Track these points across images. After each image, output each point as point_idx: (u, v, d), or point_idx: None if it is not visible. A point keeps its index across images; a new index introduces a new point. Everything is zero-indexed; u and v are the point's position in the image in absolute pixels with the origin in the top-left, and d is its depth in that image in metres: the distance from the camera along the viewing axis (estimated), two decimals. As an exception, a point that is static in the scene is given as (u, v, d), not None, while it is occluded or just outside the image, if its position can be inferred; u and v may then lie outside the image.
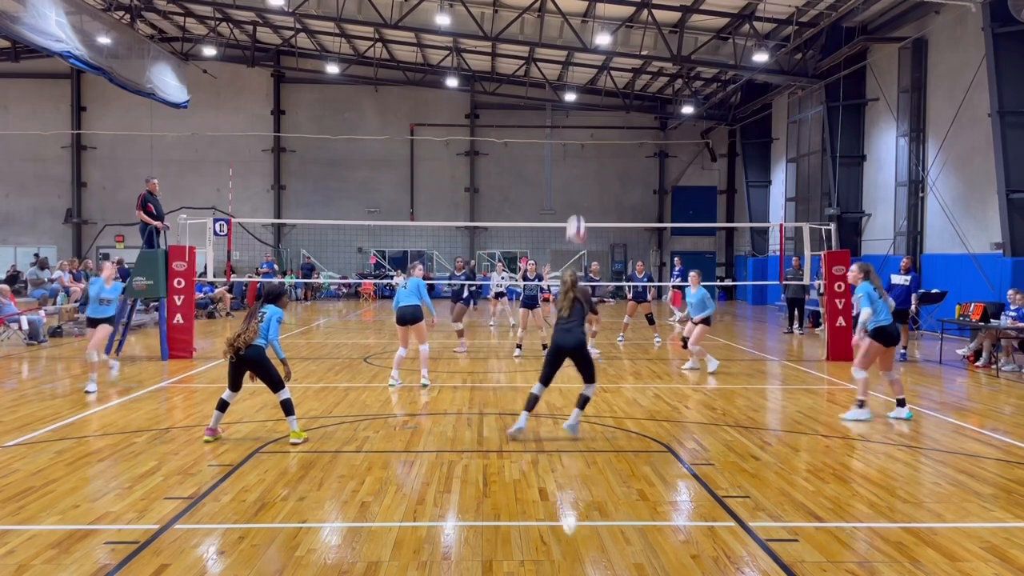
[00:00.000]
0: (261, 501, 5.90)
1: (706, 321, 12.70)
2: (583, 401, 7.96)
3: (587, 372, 7.90)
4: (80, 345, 15.90)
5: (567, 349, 7.79)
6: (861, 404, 8.97)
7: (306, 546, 5.04)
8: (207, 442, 7.63)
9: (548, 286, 16.08)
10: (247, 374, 7.64)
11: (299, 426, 7.78)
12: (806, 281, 16.61)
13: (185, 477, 6.51)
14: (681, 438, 8.05)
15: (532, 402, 7.95)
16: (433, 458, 7.21)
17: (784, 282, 16.88)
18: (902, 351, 14.03)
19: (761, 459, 7.25)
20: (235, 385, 7.67)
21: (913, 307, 14.63)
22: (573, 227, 13.11)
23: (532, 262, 15.91)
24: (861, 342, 8.95)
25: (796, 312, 19.49)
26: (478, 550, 4.99)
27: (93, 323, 10.94)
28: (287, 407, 7.66)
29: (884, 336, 8.83)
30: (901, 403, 9.10)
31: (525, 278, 15.12)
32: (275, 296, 7.83)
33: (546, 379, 7.91)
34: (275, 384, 7.61)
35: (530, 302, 14.78)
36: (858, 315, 8.99)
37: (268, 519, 5.54)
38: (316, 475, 6.60)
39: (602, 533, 5.31)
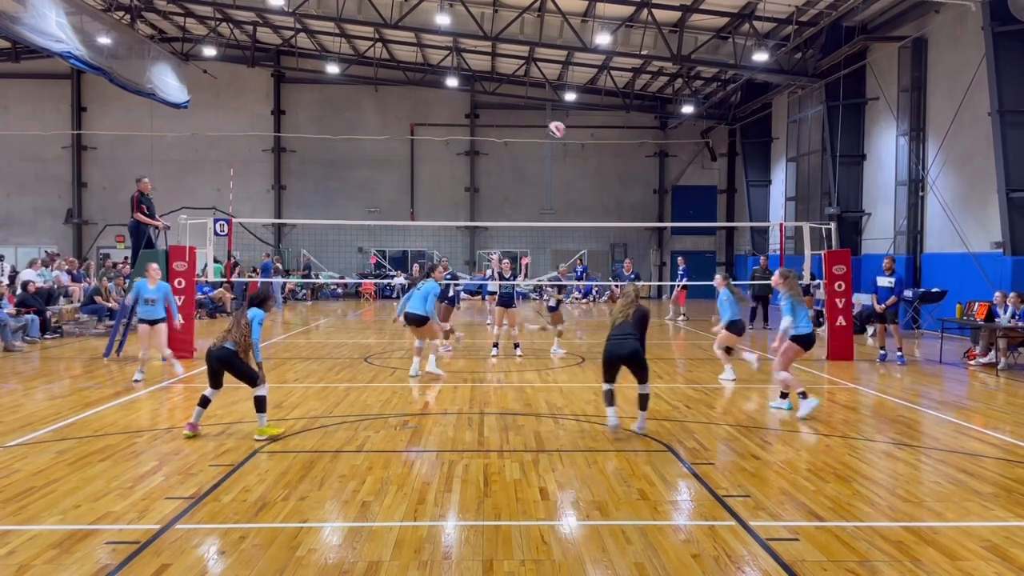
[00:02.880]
0: (262, 501, 5.91)
1: (731, 327, 11.56)
2: (644, 401, 8.10)
3: (641, 375, 8.01)
4: (80, 345, 15.90)
5: (621, 357, 7.96)
6: (804, 395, 9.06)
7: (307, 546, 5.04)
8: (187, 437, 7.76)
9: (549, 287, 15.86)
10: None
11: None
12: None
13: (186, 477, 6.51)
14: (681, 437, 8.05)
15: (610, 397, 8.16)
16: (433, 458, 7.21)
17: (751, 281, 17.33)
18: (881, 351, 14.13)
19: (761, 458, 7.25)
20: (216, 383, 7.91)
21: (883, 306, 14.47)
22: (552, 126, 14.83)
23: (506, 261, 15.77)
24: (781, 344, 9.18)
25: (761, 309, 20.64)
26: (479, 550, 4.99)
27: (149, 323, 11.74)
28: (259, 403, 7.86)
29: (803, 341, 9.14)
30: (784, 396, 9.47)
31: (501, 277, 15.04)
32: (260, 300, 8.07)
33: (611, 379, 8.15)
34: (250, 379, 7.83)
35: (506, 300, 14.68)
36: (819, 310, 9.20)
37: (269, 519, 5.54)
38: (317, 475, 6.60)
39: (603, 532, 5.31)
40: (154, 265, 12.05)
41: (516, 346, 14.65)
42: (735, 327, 11.57)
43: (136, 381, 11.18)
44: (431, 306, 11.56)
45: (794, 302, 9.10)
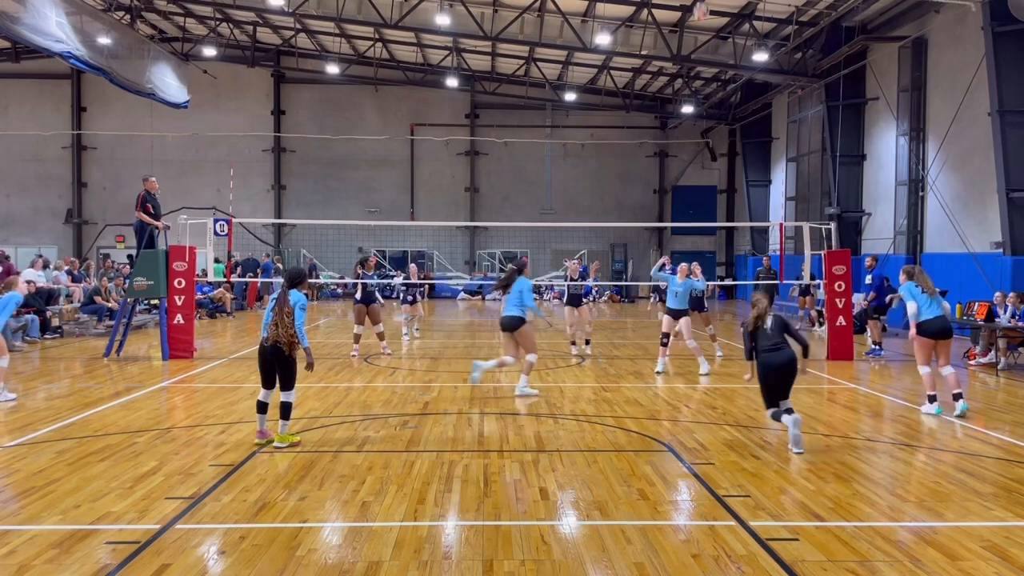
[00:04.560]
0: (262, 501, 5.91)
1: (694, 310, 11.92)
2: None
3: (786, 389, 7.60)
4: (81, 345, 15.90)
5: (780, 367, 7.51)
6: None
7: (307, 546, 5.04)
8: (257, 444, 7.47)
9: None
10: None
11: (292, 429, 7.66)
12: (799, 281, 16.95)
13: (186, 477, 6.51)
14: (681, 437, 8.05)
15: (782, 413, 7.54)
16: (434, 458, 7.21)
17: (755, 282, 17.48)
18: (875, 347, 14.39)
19: (761, 458, 7.25)
20: (269, 383, 7.45)
21: (865, 302, 15.09)
22: None
23: (574, 262, 15.67)
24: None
25: None
26: (479, 550, 4.99)
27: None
28: (285, 410, 7.44)
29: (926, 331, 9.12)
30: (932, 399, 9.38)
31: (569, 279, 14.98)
32: (298, 280, 7.56)
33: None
34: (288, 383, 7.40)
35: (573, 300, 14.58)
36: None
37: (269, 519, 5.54)
38: (317, 475, 6.60)
39: (603, 532, 5.31)
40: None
41: (587, 343, 14.82)
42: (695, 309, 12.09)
43: None
44: (529, 300, 10.32)
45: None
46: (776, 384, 7.53)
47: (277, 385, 7.48)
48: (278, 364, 7.33)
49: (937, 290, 9.32)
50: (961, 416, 8.98)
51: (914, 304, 9.10)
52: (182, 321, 13.81)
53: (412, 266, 17.91)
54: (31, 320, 16.01)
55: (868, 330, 15.22)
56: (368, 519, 5.55)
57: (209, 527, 5.37)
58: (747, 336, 7.77)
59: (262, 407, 7.54)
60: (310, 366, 7.51)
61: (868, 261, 15.15)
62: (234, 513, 5.63)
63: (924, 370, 9.20)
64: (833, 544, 5.11)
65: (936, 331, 9.04)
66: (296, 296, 7.39)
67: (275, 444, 7.46)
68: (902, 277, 9.42)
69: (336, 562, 4.79)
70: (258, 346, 7.54)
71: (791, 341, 7.64)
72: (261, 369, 7.47)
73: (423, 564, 4.75)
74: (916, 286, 9.19)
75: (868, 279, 15.01)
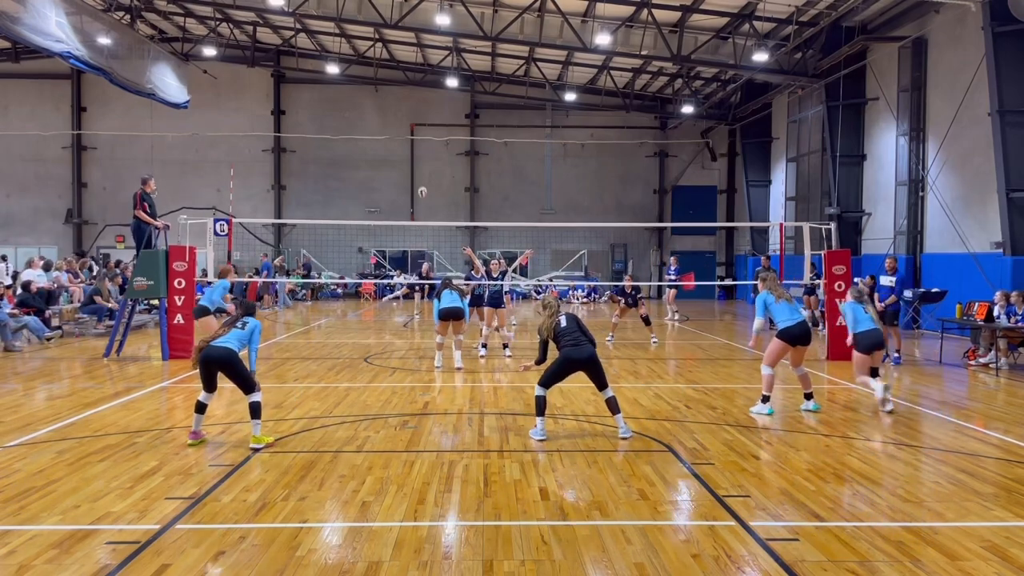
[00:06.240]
0: (262, 501, 5.91)
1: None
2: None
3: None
4: (81, 345, 15.89)
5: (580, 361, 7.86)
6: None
7: (307, 546, 5.04)
8: (190, 445, 7.50)
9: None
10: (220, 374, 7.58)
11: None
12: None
13: (186, 477, 6.51)
14: (682, 438, 8.05)
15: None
16: (433, 458, 7.21)
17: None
18: (895, 355, 13.86)
19: (761, 458, 7.25)
20: (209, 386, 7.58)
21: (882, 304, 14.48)
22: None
23: (495, 261, 15.62)
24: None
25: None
26: (479, 550, 4.99)
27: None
28: (254, 410, 7.51)
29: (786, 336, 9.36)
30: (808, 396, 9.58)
31: (490, 277, 14.85)
32: (253, 310, 8.08)
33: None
34: (247, 386, 7.51)
35: (494, 300, 14.60)
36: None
37: (269, 519, 5.54)
38: (317, 475, 6.60)
39: (603, 532, 5.31)
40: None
41: (505, 346, 14.63)
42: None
43: None
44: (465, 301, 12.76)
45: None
46: (567, 373, 7.87)
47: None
48: (226, 371, 7.53)
49: (791, 296, 9.72)
50: (811, 412, 9.27)
51: (850, 316, 9.54)
52: (182, 321, 13.81)
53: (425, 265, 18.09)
54: (34, 321, 15.97)
55: (891, 335, 14.65)
56: (368, 519, 5.55)
57: (209, 527, 5.37)
58: (544, 341, 8.04)
59: (201, 407, 7.64)
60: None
61: (888, 263, 14.56)
62: (234, 513, 5.63)
63: (767, 371, 9.31)
64: (833, 544, 5.11)
65: (797, 336, 9.21)
66: (255, 322, 7.86)
67: (251, 446, 7.46)
68: (760, 285, 9.71)
69: (336, 562, 4.79)
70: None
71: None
72: (202, 375, 7.60)
73: (423, 564, 4.76)
74: (771, 293, 9.41)
75: (889, 280, 14.20)
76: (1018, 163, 16.82)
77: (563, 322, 7.99)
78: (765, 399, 9.30)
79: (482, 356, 14.23)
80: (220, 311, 12.95)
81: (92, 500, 5.91)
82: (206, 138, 33.41)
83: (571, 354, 7.80)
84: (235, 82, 33.66)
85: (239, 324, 7.74)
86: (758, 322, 9.64)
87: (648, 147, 35.01)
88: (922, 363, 14.10)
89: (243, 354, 7.61)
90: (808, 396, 9.46)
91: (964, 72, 18.71)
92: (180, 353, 13.65)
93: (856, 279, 9.50)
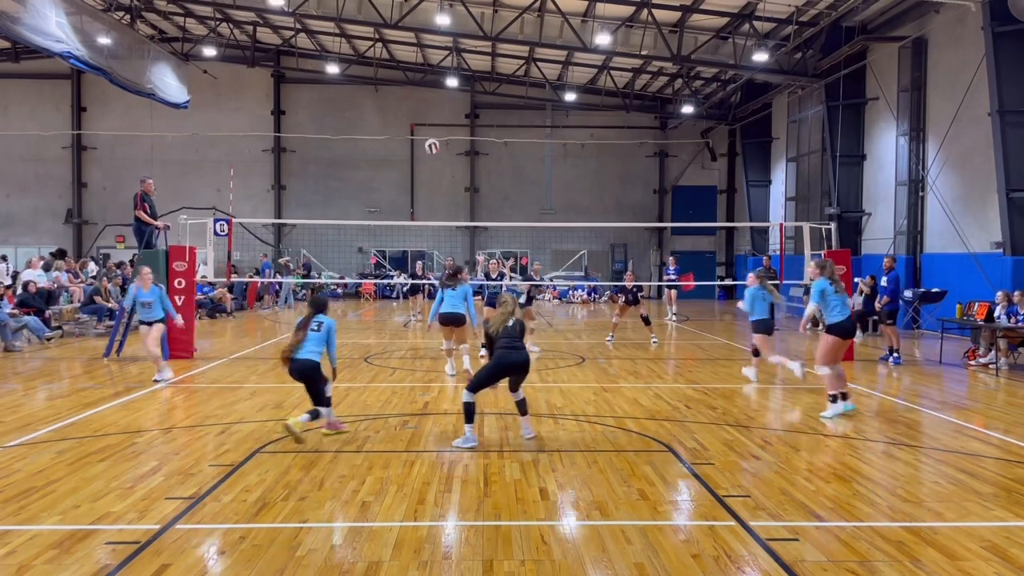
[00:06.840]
0: (262, 501, 5.91)
1: (760, 328, 11.46)
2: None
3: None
4: (81, 345, 15.90)
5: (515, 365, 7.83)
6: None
7: (307, 546, 5.04)
8: (326, 435, 7.92)
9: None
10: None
11: (300, 428, 7.70)
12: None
13: (186, 477, 6.51)
14: (682, 438, 8.05)
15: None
16: (433, 458, 7.21)
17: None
18: (895, 355, 13.80)
19: (761, 458, 7.25)
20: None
21: (878, 304, 14.69)
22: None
23: (494, 261, 15.64)
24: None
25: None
26: (479, 550, 4.99)
27: (147, 324, 11.72)
28: (314, 413, 7.84)
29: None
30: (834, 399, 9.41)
31: (487, 278, 14.85)
32: (325, 306, 8.29)
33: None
34: (318, 401, 7.88)
35: (492, 301, 14.62)
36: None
37: (269, 519, 5.54)
38: (317, 475, 6.60)
39: (603, 533, 5.31)
40: (146, 269, 11.84)
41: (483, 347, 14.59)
42: (763, 328, 11.38)
43: (157, 381, 11.12)
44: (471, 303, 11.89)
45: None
46: (502, 377, 7.85)
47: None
48: (308, 382, 7.96)
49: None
50: (846, 413, 9.14)
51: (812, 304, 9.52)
52: (182, 321, 13.78)
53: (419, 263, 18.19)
54: (34, 321, 15.97)
55: (883, 335, 14.72)
56: (368, 519, 5.55)
57: (209, 527, 5.37)
58: (489, 335, 8.02)
59: (316, 414, 7.95)
60: (333, 375, 8.25)
61: (886, 262, 14.58)
62: (234, 513, 5.64)
63: (825, 371, 9.23)
64: (833, 544, 5.11)
65: (849, 330, 9.32)
66: (329, 320, 8.18)
67: (287, 422, 7.68)
68: (814, 273, 9.60)
69: (336, 562, 4.79)
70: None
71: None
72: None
73: (423, 564, 4.76)
74: (831, 284, 9.29)
75: (884, 281, 14.51)
76: (1018, 163, 16.82)
77: (510, 323, 7.89)
78: (834, 398, 9.09)
79: (482, 356, 14.21)
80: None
81: (92, 500, 5.91)
82: (206, 138, 33.40)
83: (508, 356, 7.69)
84: (235, 82, 33.66)
85: (314, 325, 7.95)
86: (812, 307, 9.51)
87: (648, 147, 35.01)
88: (922, 363, 14.10)
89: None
90: (843, 396, 9.19)
91: (964, 72, 18.70)
92: (180, 353, 13.65)
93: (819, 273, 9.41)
